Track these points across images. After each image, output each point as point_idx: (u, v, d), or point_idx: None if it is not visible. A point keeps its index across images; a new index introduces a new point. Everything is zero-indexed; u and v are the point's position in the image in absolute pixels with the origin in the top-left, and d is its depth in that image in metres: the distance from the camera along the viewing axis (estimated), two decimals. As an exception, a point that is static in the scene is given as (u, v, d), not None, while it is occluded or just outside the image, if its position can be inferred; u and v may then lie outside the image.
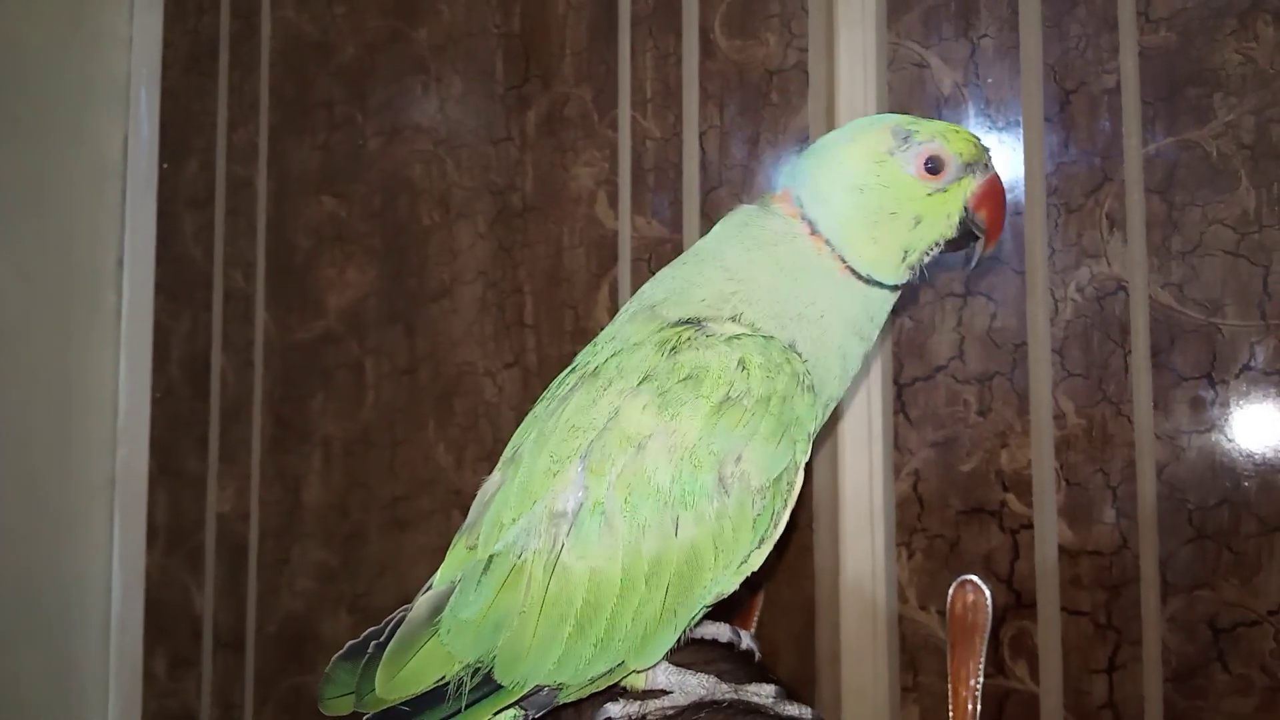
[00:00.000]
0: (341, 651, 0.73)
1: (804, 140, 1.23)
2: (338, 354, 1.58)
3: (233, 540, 1.65)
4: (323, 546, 1.56)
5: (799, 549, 1.22)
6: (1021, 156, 1.11)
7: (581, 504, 0.66)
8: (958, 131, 0.71)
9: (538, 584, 0.66)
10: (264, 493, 1.63)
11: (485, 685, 0.68)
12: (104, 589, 1.79)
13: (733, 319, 0.69)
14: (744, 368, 0.65)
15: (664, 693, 0.70)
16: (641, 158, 1.34)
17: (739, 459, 0.64)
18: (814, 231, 0.71)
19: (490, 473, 0.78)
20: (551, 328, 1.41)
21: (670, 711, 0.67)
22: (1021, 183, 1.11)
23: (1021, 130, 1.11)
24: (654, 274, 0.78)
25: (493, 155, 1.46)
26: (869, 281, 0.72)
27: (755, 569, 0.68)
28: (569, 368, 0.77)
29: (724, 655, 0.79)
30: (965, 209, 0.72)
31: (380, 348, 1.54)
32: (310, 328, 1.60)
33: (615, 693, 0.70)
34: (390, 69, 1.56)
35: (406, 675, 0.69)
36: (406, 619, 0.72)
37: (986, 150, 0.73)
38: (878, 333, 0.75)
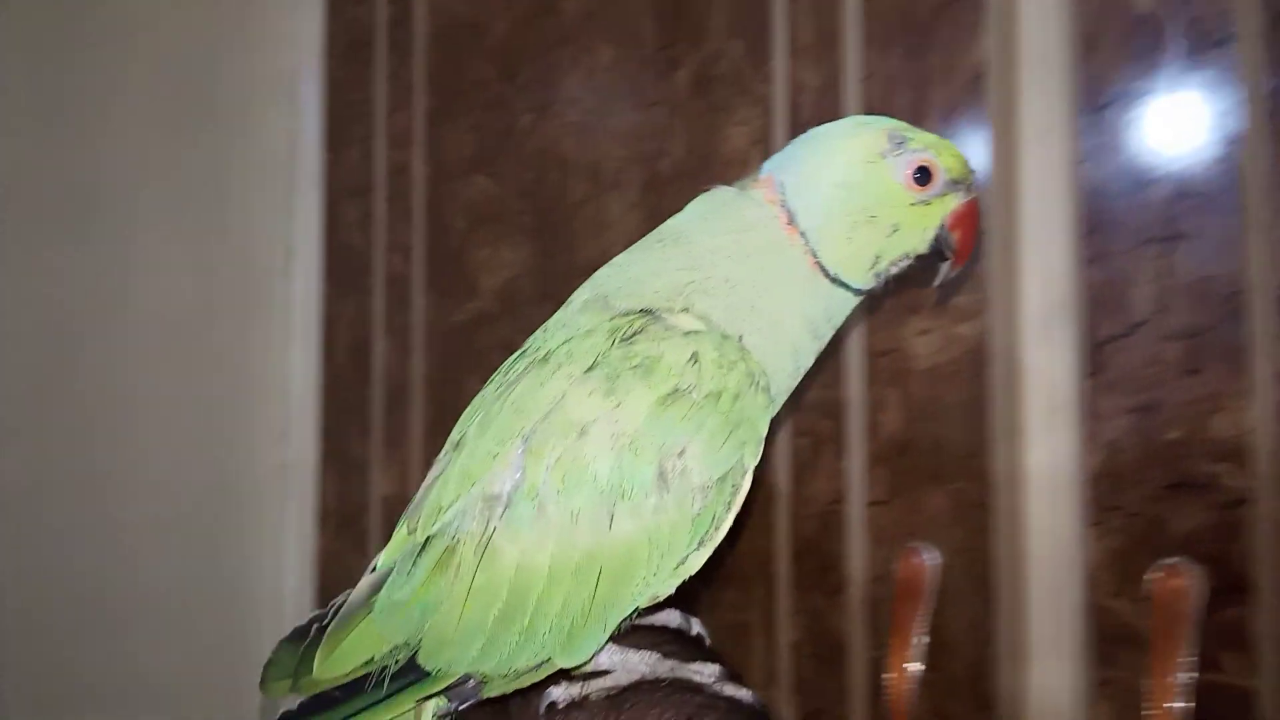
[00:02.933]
0: (286, 635, 0.72)
1: (977, 81, 1.12)
2: (492, 334, 1.56)
3: (395, 523, 1.65)
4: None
5: (974, 529, 1.11)
6: (1234, 78, 0.97)
7: (517, 486, 0.64)
8: (950, 146, 0.70)
9: (467, 567, 0.64)
10: (424, 476, 1.62)
11: (411, 671, 0.66)
12: (276, 572, 1.84)
13: (685, 310, 0.67)
14: (697, 361, 0.63)
15: (606, 672, 0.68)
16: (798, 111, 1.26)
17: (682, 453, 0.62)
18: (790, 222, 0.70)
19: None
20: (704, 298, 1.34)
21: (612, 691, 0.66)
22: (1238, 107, 0.97)
23: (1235, 48, 0.97)
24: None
25: (642, 122, 1.41)
26: (835, 281, 0.70)
27: (693, 572, 0.65)
28: (519, 351, 0.75)
29: (673, 639, 0.76)
30: (942, 226, 0.71)
31: (531, 327, 1.49)
32: (465, 309, 1.60)
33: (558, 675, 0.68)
34: (539, 44, 1.53)
35: (339, 656, 0.67)
36: (348, 600, 0.70)
37: (974, 171, 0.71)
38: (832, 334, 0.73)
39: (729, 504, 0.65)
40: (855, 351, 1.21)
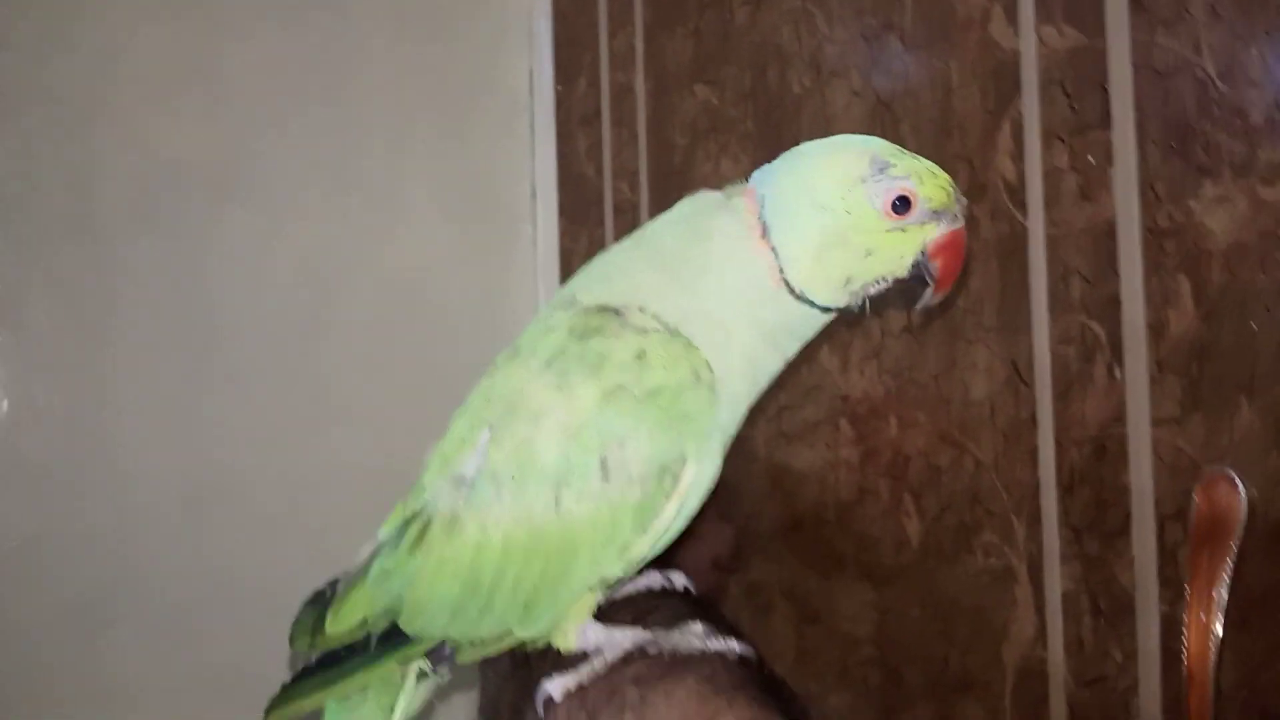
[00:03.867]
0: (309, 598, 0.77)
1: None
2: (718, 255, 1.43)
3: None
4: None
5: None
6: None
7: (480, 470, 0.69)
8: (935, 175, 0.68)
9: (438, 543, 0.70)
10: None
11: (394, 635, 0.72)
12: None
13: (641, 309, 0.69)
14: (642, 359, 0.66)
15: (595, 653, 0.70)
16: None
17: (623, 444, 0.66)
18: (764, 235, 0.70)
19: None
20: (942, 190, 1.14)
21: (602, 671, 0.67)
22: None
23: None
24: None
25: (864, -7, 1.22)
26: (800, 298, 0.70)
27: (639, 558, 0.68)
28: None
29: (660, 600, 0.78)
30: (922, 253, 0.70)
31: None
32: (691, 231, 1.48)
33: (550, 669, 0.70)
34: (752, -74, 1.37)
35: (342, 616, 0.74)
36: (353, 566, 0.76)
37: (961, 201, 0.70)
38: (798, 347, 0.72)
39: (669, 494, 0.67)
40: (1130, 233, 0.97)
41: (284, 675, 0.76)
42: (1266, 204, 0.87)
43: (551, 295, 1.80)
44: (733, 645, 0.69)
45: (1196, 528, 0.92)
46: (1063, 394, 1.03)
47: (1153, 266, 0.95)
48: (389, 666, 0.74)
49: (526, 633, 0.71)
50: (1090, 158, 1.00)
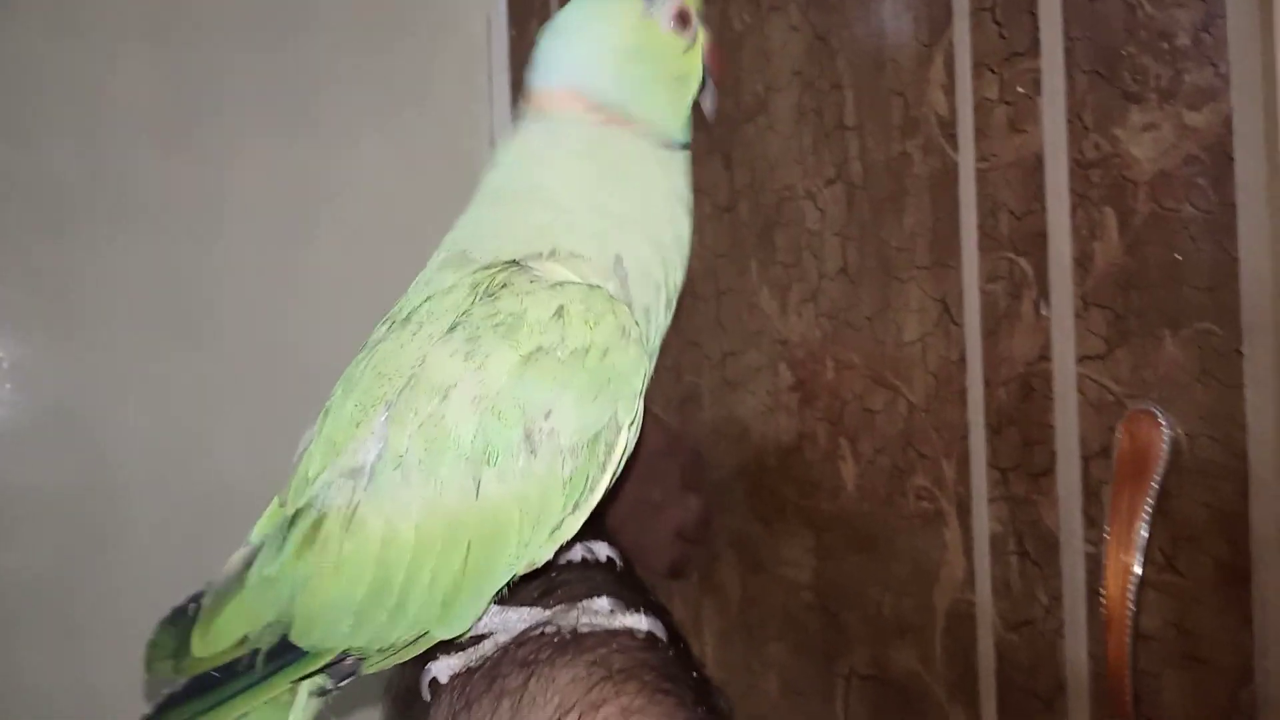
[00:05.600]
0: (166, 616, 0.70)
1: None
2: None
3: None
4: (661, 411, 1.41)
5: (1223, 387, 0.82)
6: None
7: (380, 455, 0.61)
8: None
9: (334, 541, 0.61)
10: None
11: (286, 651, 0.64)
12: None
13: (551, 254, 0.64)
14: (561, 316, 0.60)
15: (487, 636, 0.65)
16: None
17: (549, 414, 0.59)
18: (613, 117, 0.67)
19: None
20: (876, 126, 1.10)
21: (494, 654, 0.63)
22: None
23: None
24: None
25: (800, -78, 1.18)
26: (671, 146, 0.70)
27: (569, 537, 0.62)
28: (386, 316, 0.71)
29: (575, 574, 0.73)
30: (704, 62, 0.71)
31: (700, 186, 1.33)
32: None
33: (438, 649, 0.65)
34: None
35: (214, 634, 0.65)
36: (222, 576, 0.68)
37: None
38: (683, 213, 0.70)
39: (603, 464, 0.61)
40: (1057, 164, 0.94)
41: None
42: (1191, 129, 0.84)
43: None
44: (640, 622, 0.64)
45: (1119, 466, 0.89)
46: (991, 332, 1.00)
47: (1079, 198, 0.92)
48: (280, 686, 0.65)
49: (447, 632, 0.63)
50: (1019, 87, 0.97)
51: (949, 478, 1.04)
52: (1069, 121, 0.93)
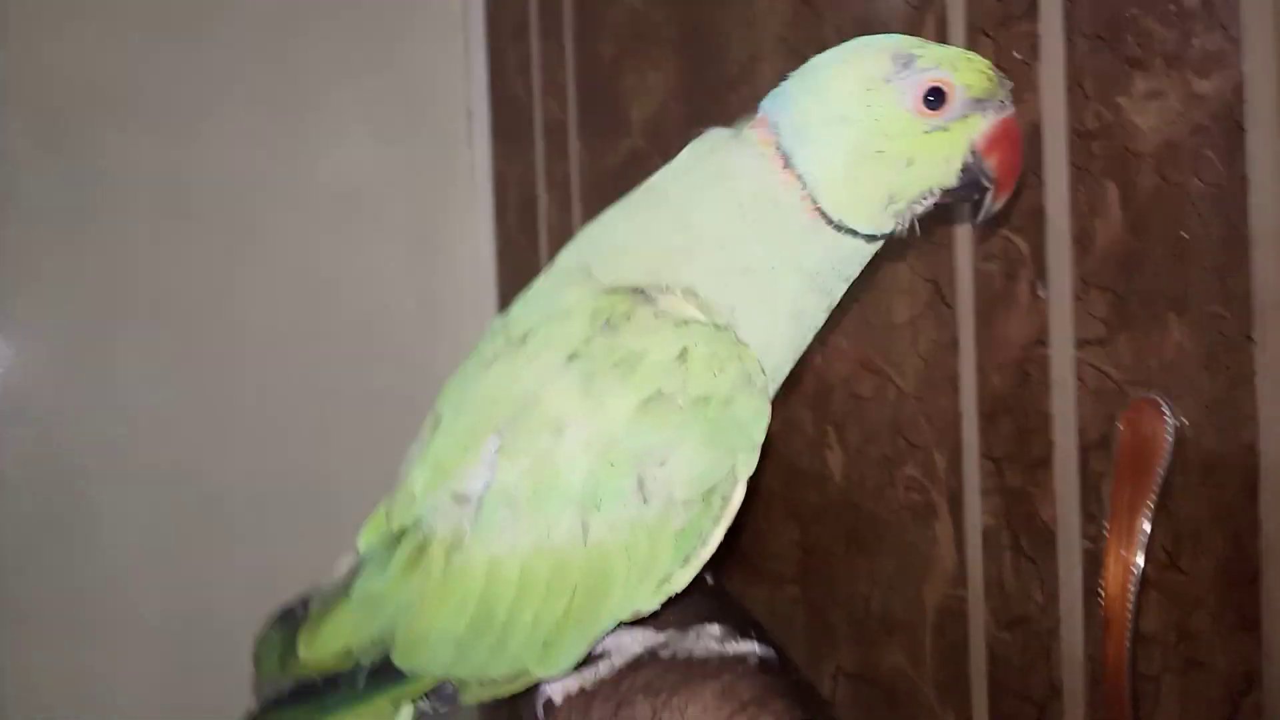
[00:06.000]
0: (275, 615, 0.69)
1: None
2: (644, 175, 1.34)
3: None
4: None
5: (1230, 375, 0.77)
6: None
7: (489, 487, 0.59)
8: (971, 60, 0.61)
9: (437, 569, 0.61)
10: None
11: (388, 671, 0.63)
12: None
13: (670, 288, 0.61)
14: (685, 360, 0.58)
15: (602, 656, 0.64)
16: None
17: (664, 464, 0.57)
18: (788, 165, 0.62)
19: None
20: (865, 94, 1.05)
21: (608, 677, 0.62)
22: None
23: None
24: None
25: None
26: (840, 228, 0.62)
27: (678, 590, 0.60)
28: (502, 319, 0.68)
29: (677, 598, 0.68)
30: (972, 153, 0.61)
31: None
32: (617, 149, 1.40)
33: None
34: None
35: (320, 641, 0.65)
36: (329, 583, 0.67)
37: (1005, 85, 0.62)
38: (845, 287, 0.65)
39: (717, 518, 0.59)
40: (1056, 135, 0.88)
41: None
42: (1199, 97, 0.78)
43: (489, 222, 1.73)
44: (753, 649, 0.64)
45: (1120, 458, 0.84)
46: (985, 315, 0.94)
47: (1079, 171, 0.86)
48: (381, 704, 0.65)
49: (546, 672, 0.62)
50: (1015, 53, 0.91)
51: (940, 468, 0.99)
52: (1068, 89, 0.87)
